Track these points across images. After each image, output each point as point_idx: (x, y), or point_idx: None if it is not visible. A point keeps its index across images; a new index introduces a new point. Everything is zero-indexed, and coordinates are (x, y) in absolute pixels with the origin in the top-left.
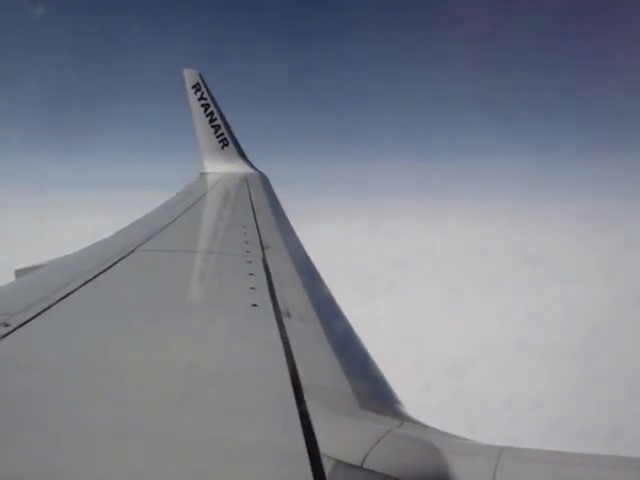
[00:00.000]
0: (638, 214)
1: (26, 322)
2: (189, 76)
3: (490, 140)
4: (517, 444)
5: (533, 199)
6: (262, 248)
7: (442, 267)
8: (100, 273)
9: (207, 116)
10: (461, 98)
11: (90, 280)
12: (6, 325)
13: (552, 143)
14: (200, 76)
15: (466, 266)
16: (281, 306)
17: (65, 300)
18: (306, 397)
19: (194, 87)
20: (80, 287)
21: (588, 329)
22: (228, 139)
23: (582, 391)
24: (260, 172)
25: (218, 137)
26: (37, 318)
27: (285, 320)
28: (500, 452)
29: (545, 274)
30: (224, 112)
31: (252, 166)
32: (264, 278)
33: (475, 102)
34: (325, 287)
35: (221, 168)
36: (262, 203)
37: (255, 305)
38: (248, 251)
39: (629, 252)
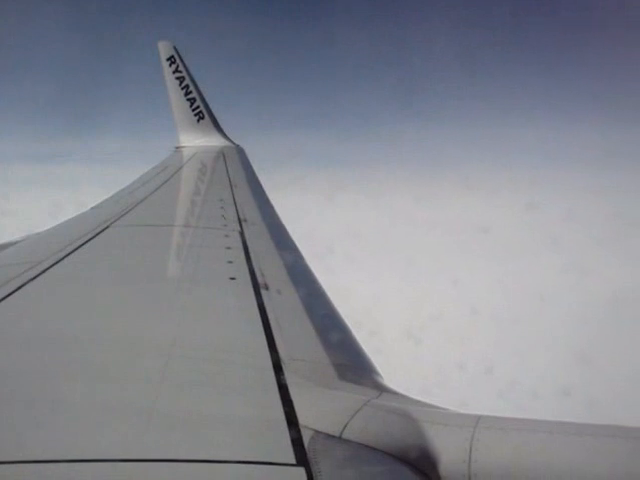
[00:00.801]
0: (586, 183)
1: (2, 299)
2: (163, 48)
3: (450, 108)
4: (470, 406)
5: (487, 169)
6: (239, 221)
7: (398, 238)
8: (76, 249)
9: (182, 89)
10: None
11: (66, 256)
12: None
13: (505, 110)
14: (175, 48)
15: (422, 237)
16: (259, 279)
17: (41, 277)
18: (285, 369)
19: (169, 60)
20: (56, 263)
21: (537, 296)
22: (204, 112)
23: (531, 355)
24: (237, 145)
25: (194, 110)
26: (13, 295)
27: (263, 293)
28: (477, 421)
29: (496, 244)
30: (200, 85)
31: (228, 139)
32: (242, 251)
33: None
34: (303, 259)
35: (197, 142)
36: (239, 176)
37: (233, 278)
38: (225, 225)
39: (577, 222)
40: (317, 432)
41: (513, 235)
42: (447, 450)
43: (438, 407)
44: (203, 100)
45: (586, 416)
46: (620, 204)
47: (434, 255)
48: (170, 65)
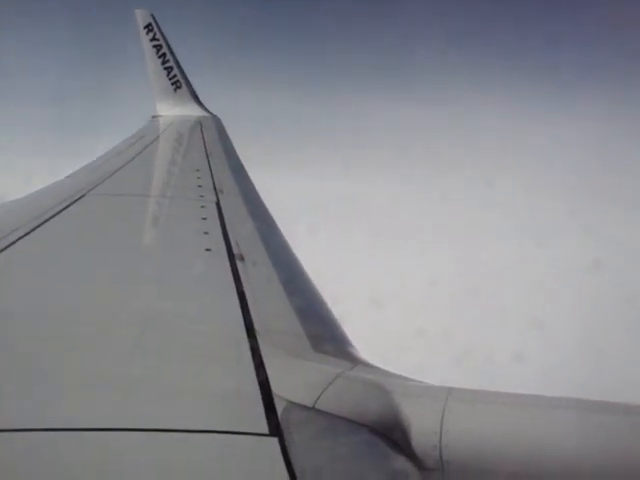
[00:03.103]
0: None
1: None
2: (140, 17)
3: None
4: (428, 373)
5: (454, 145)
6: (216, 192)
7: (366, 210)
8: (51, 217)
9: (159, 57)
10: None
11: (40, 225)
12: None
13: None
14: (152, 17)
15: (386, 210)
16: (235, 250)
17: (16, 244)
18: (259, 340)
19: (146, 28)
20: (30, 232)
21: (493, 267)
22: (181, 81)
23: (487, 324)
24: (214, 115)
25: (171, 79)
26: None
27: (239, 264)
28: (449, 393)
29: (456, 218)
30: (178, 54)
31: (205, 109)
32: (218, 222)
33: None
34: (279, 231)
35: (174, 111)
36: (216, 147)
37: (209, 250)
38: (202, 195)
39: (533, 195)
40: (291, 403)
41: (477, 208)
42: (419, 421)
43: (411, 379)
44: (180, 69)
45: (541, 383)
46: (576, 177)
47: (400, 228)
48: (147, 33)
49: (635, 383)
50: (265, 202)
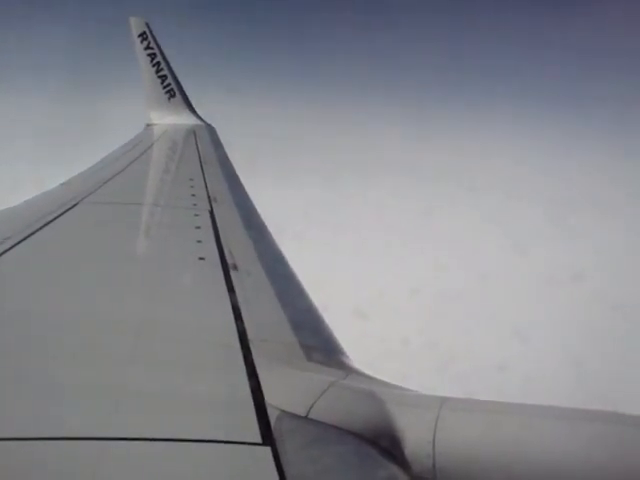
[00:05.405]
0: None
1: None
2: (135, 24)
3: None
4: (412, 380)
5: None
6: (209, 201)
7: (348, 217)
8: (44, 226)
9: (154, 66)
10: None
11: (34, 233)
12: None
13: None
14: (147, 25)
15: (370, 217)
16: (228, 259)
17: (9, 252)
18: (253, 349)
19: (140, 36)
20: (24, 239)
21: (477, 275)
22: (175, 90)
23: (470, 332)
24: (208, 124)
25: (165, 88)
26: None
27: (232, 273)
28: (442, 402)
29: (440, 225)
30: (172, 62)
31: (200, 117)
32: (211, 231)
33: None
34: (272, 240)
35: (168, 119)
36: (210, 156)
37: (202, 258)
38: (195, 204)
39: (520, 205)
40: (283, 412)
41: (462, 217)
42: (412, 430)
43: (404, 388)
44: (175, 78)
45: (522, 392)
46: (560, 187)
47: (387, 235)
48: (142, 42)
49: (625, 390)
50: (259, 211)
